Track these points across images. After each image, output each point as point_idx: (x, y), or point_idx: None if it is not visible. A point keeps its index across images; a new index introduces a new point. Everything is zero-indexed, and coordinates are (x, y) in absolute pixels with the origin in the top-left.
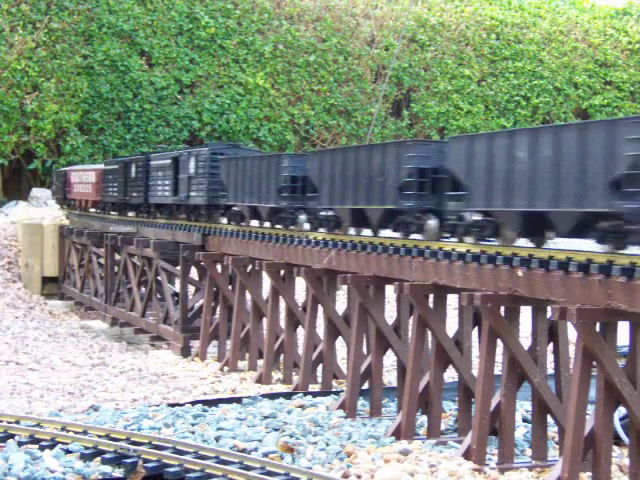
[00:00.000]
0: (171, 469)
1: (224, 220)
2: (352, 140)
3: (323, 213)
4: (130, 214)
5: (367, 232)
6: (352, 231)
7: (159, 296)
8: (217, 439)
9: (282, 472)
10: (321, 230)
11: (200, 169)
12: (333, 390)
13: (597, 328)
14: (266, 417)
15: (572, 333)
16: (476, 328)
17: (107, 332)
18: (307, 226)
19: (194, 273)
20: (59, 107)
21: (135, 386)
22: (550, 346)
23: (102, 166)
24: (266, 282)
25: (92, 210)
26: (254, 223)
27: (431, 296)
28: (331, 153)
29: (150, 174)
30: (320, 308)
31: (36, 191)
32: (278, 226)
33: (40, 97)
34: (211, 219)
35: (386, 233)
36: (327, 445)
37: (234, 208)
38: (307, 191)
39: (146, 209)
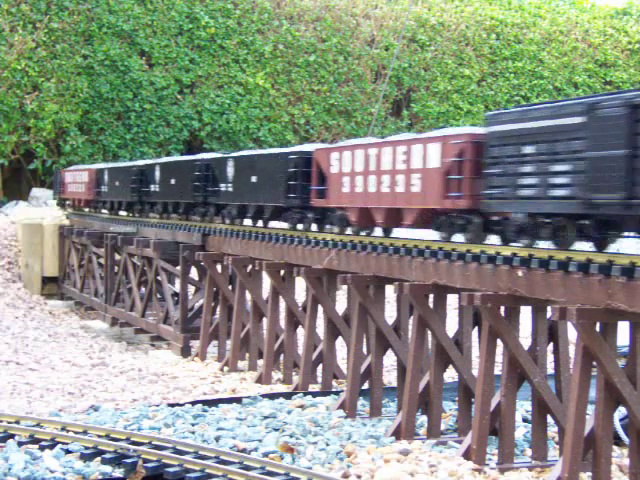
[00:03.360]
0: (171, 469)
1: None
2: None
3: None
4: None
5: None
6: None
7: (159, 296)
8: (217, 439)
9: (282, 472)
10: None
11: None
12: (333, 390)
13: (597, 328)
14: (266, 417)
15: (572, 333)
16: (476, 328)
17: (107, 332)
18: None
19: (194, 273)
20: (59, 107)
21: (135, 386)
22: (550, 346)
23: (471, 130)
24: (266, 282)
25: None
26: None
27: (431, 296)
28: None
29: None
30: (320, 308)
31: (36, 191)
32: None
33: (40, 97)
34: None
35: None
36: (327, 445)
37: None
38: None
39: None
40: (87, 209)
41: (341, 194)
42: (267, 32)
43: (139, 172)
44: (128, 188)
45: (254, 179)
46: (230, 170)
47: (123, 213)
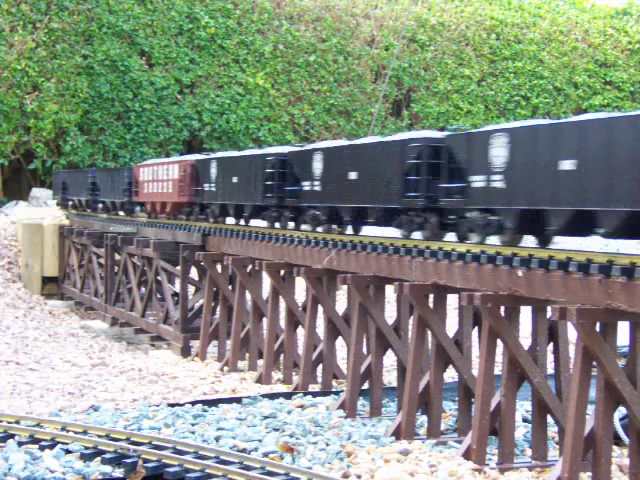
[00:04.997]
0: (171, 469)
1: None
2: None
3: None
4: None
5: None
6: None
7: (159, 296)
8: (217, 439)
9: (282, 472)
10: None
11: None
12: (333, 390)
13: (597, 328)
14: (266, 417)
15: (572, 333)
16: (476, 328)
17: (107, 332)
18: None
19: (194, 273)
20: (59, 107)
21: (135, 386)
22: (550, 346)
23: None
24: (266, 282)
25: None
26: None
27: (431, 296)
28: None
29: None
30: (320, 308)
31: (36, 191)
32: None
33: (40, 97)
34: None
35: None
36: (327, 445)
37: None
38: None
39: None
40: (178, 216)
41: None
42: (267, 32)
43: (279, 163)
44: (259, 187)
45: (570, 165)
46: (498, 152)
47: (231, 221)
